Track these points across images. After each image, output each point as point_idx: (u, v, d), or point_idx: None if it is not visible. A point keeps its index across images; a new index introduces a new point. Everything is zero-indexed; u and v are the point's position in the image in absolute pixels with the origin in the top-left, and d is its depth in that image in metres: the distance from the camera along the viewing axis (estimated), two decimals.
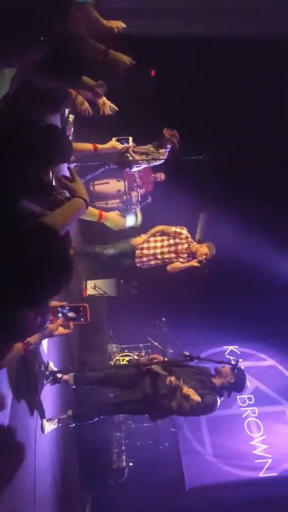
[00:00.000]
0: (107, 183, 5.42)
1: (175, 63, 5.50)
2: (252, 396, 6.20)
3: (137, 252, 4.51)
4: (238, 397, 6.02)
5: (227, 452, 5.53)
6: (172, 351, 5.00)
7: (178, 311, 5.86)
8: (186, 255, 4.48)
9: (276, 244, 6.25)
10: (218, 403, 3.63)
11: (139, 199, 5.70)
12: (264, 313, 6.26)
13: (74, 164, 4.54)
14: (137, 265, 4.52)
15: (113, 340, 5.70)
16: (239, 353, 6.54)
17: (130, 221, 4.00)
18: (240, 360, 4.20)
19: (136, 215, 4.25)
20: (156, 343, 4.42)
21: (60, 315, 2.29)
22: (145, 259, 4.51)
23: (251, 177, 6.16)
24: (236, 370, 3.67)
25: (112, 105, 3.19)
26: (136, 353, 5.22)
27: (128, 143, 3.85)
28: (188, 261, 4.45)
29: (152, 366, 3.68)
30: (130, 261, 4.55)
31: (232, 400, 5.93)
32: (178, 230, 4.57)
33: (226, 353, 6.51)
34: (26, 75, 1.70)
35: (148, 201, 5.90)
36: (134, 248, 4.51)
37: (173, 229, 4.57)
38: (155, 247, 4.52)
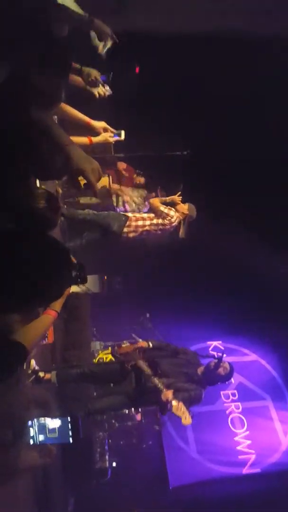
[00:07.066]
0: None
1: (158, 59, 5.41)
2: (235, 391, 6.21)
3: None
4: (222, 392, 6.03)
5: (211, 449, 5.52)
6: None
7: (162, 306, 5.80)
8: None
9: (259, 240, 6.27)
10: (203, 397, 3.60)
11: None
12: (247, 308, 6.28)
13: None
14: (124, 230, 4.20)
15: (97, 337, 5.59)
16: (222, 348, 6.52)
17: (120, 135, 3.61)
18: (224, 355, 4.18)
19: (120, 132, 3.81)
20: (140, 340, 4.34)
21: None
22: (133, 224, 4.25)
23: (235, 174, 6.14)
24: (220, 364, 3.65)
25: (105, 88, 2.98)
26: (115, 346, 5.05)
27: (119, 136, 3.64)
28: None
29: (137, 363, 3.61)
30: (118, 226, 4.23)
31: (216, 396, 5.93)
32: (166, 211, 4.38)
33: (210, 349, 6.50)
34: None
35: None
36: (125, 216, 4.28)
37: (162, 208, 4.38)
38: (143, 218, 4.33)
